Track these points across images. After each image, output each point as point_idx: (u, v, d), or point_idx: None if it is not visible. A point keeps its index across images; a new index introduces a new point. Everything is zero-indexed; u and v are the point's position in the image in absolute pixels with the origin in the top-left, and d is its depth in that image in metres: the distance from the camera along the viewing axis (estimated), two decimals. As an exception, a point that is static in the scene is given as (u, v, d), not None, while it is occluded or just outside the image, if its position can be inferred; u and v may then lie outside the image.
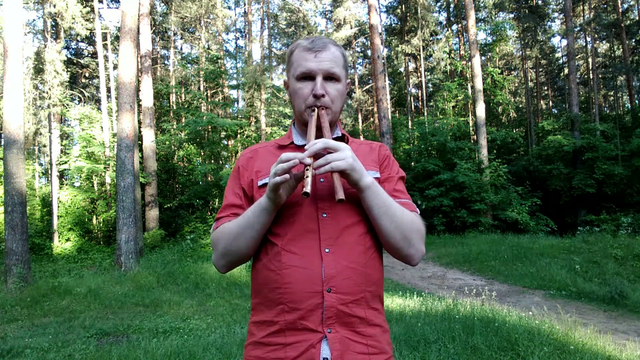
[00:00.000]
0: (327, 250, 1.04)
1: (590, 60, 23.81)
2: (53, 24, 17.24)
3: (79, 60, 21.76)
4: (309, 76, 1.15)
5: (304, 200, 1.07)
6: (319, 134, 1.11)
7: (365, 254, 1.08)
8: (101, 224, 16.55)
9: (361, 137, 25.80)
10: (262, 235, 1.08)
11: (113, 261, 10.65)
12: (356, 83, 28.82)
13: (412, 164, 18.82)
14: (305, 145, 1.13)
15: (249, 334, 1.11)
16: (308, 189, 0.95)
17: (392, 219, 1.06)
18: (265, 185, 1.11)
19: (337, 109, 1.19)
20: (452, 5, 24.42)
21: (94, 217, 16.76)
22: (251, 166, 1.19)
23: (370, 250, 1.09)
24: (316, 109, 1.14)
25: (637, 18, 22.47)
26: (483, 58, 23.71)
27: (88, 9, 17.28)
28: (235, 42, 30.85)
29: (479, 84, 16.92)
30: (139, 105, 15.12)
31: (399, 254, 1.11)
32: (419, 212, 1.16)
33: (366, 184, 1.04)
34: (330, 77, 1.15)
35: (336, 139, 1.21)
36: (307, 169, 0.98)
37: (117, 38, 17.83)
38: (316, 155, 1.01)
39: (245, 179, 1.18)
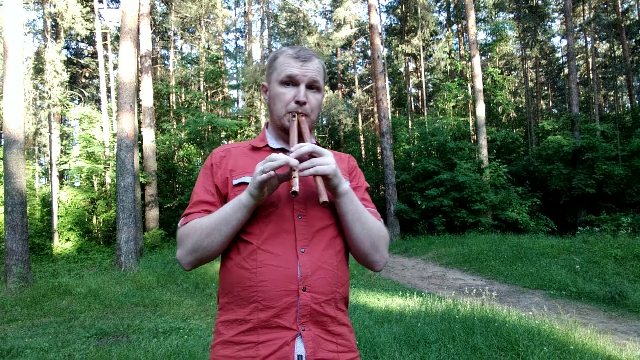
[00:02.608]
0: (302, 250, 1.06)
1: (590, 60, 23.82)
2: (53, 24, 17.25)
3: (79, 60, 21.77)
4: (292, 82, 1.16)
5: (279, 201, 1.10)
6: (300, 139, 1.13)
7: (336, 257, 1.11)
8: (101, 224, 16.56)
9: (361, 137, 25.84)
10: (235, 233, 1.08)
11: (113, 261, 10.64)
12: (356, 83, 28.83)
13: (412, 164, 18.81)
14: (280, 148, 1.21)
15: (217, 334, 1.10)
16: (296, 188, 0.97)
17: (363, 226, 1.11)
18: (241, 184, 1.13)
19: (315, 119, 1.21)
20: (452, 5, 24.44)
21: (94, 217, 16.78)
22: (225, 165, 1.18)
23: (340, 254, 1.13)
24: (297, 114, 1.16)
25: (637, 18, 22.47)
26: (483, 58, 23.71)
27: (88, 9, 17.30)
28: (235, 42, 30.90)
29: (479, 84, 16.92)
30: (139, 105, 15.12)
31: (366, 260, 1.15)
32: (383, 222, 1.21)
33: (344, 190, 1.08)
34: (312, 87, 1.18)
35: None
36: (294, 170, 1.01)
37: (117, 38, 17.83)
38: (299, 159, 1.04)
39: (218, 177, 1.17)
